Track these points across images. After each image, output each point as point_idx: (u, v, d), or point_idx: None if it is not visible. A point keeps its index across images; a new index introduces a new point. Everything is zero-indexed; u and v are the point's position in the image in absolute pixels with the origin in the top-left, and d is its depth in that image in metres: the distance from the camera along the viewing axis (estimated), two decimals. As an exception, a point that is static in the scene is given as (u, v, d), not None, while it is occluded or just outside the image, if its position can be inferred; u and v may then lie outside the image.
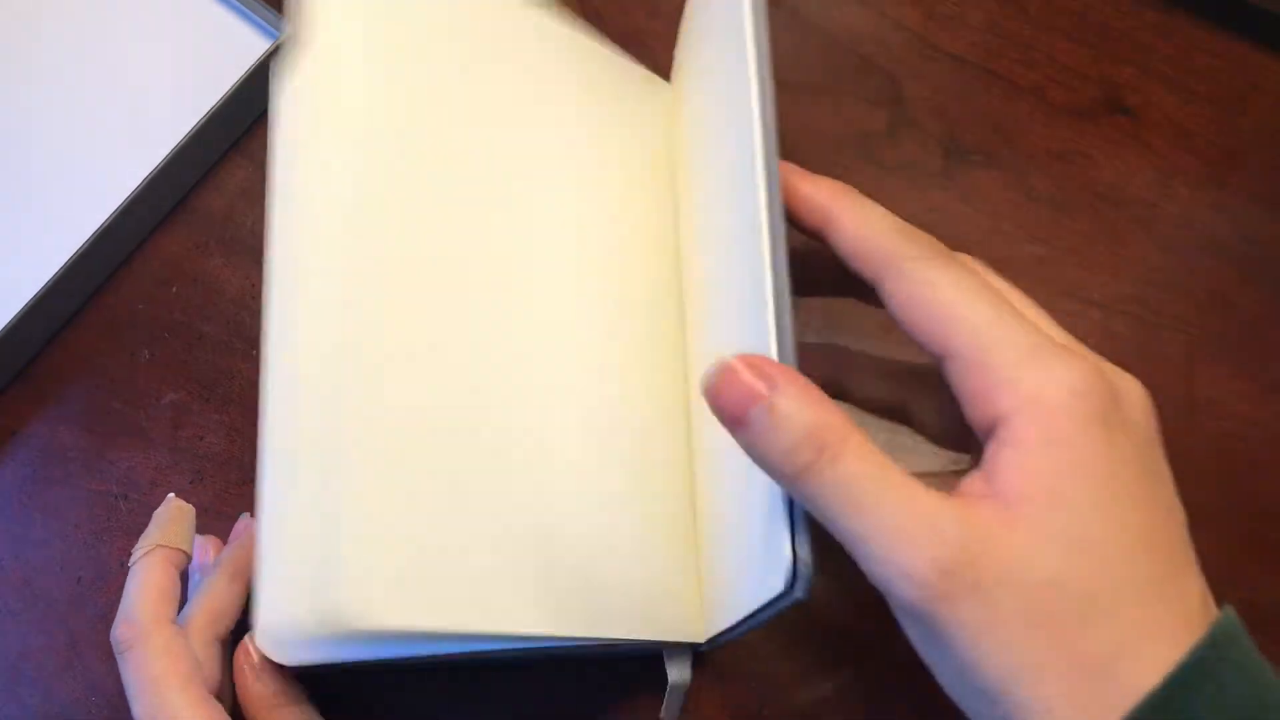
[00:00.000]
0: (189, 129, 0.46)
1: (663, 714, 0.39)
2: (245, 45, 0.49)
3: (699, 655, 0.39)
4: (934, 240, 0.27)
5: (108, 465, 0.44)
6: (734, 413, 0.24)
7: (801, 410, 0.24)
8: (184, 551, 0.39)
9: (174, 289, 0.47)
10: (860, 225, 0.27)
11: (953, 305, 0.25)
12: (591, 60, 0.43)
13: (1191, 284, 0.45)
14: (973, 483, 0.24)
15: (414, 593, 0.31)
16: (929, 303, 0.25)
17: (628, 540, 0.36)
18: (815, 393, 0.24)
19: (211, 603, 0.36)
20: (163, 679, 0.33)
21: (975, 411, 0.25)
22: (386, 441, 0.33)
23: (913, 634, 0.25)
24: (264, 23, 0.49)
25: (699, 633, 0.37)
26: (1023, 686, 0.23)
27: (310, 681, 0.39)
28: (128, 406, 0.45)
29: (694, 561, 0.39)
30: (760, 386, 0.24)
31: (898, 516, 0.23)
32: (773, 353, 0.27)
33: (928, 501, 0.23)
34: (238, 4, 0.50)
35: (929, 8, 0.49)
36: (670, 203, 0.44)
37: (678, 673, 0.39)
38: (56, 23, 0.50)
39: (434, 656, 0.37)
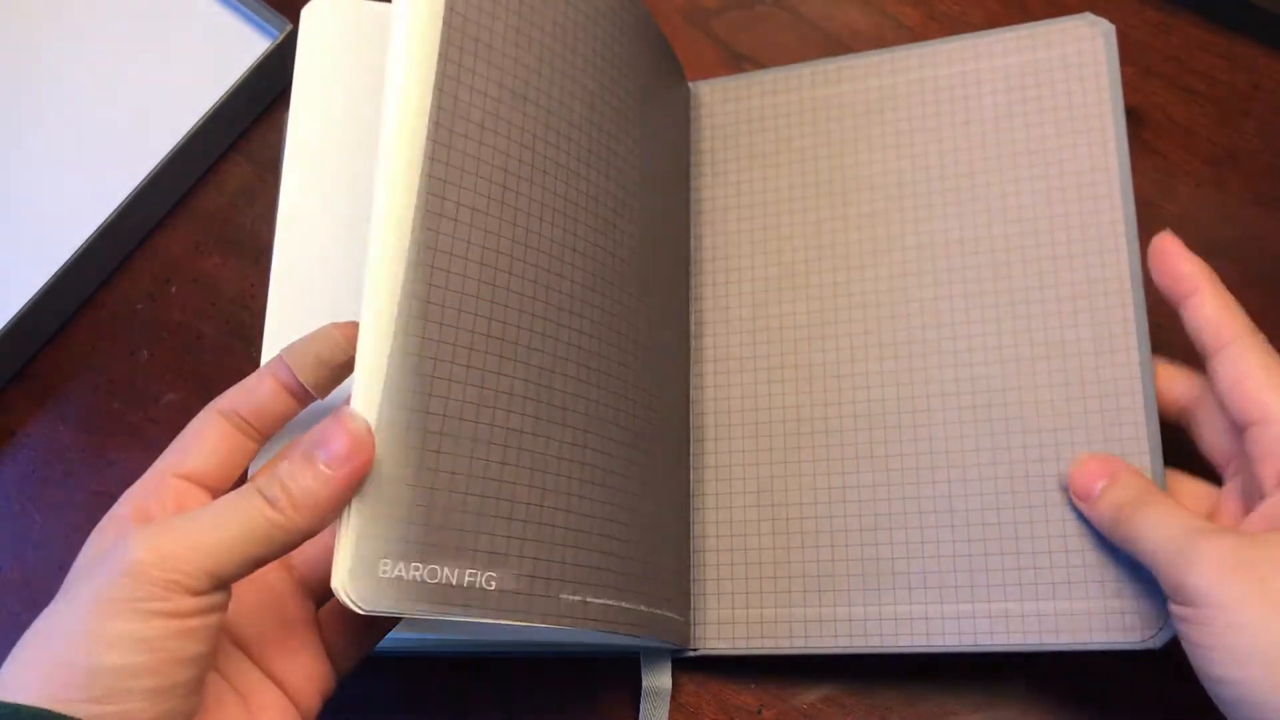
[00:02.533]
0: (189, 129, 0.46)
1: (640, 718, 0.39)
2: (245, 45, 0.49)
3: (695, 657, 0.39)
4: (1251, 325, 0.34)
5: (108, 465, 0.44)
6: (1083, 491, 0.35)
7: (1129, 479, 0.35)
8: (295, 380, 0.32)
9: (174, 289, 0.47)
10: (1216, 308, 0.34)
11: (1261, 391, 0.33)
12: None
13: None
14: (1254, 521, 0.32)
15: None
16: (1247, 389, 0.33)
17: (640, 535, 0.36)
18: (1131, 468, 0.35)
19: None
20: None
21: (1266, 468, 0.32)
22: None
23: (1189, 630, 0.31)
24: (264, 23, 0.49)
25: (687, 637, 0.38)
26: None
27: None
28: (127, 406, 0.45)
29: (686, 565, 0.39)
30: (1102, 471, 0.35)
31: (1189, 530, 0.31)
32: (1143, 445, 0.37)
33: (1212, 524, 0.32)
34: (238, 4, 0.50)
35: (930, 8, 0.49)
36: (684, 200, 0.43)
37: (655, 678, 0.39)
38: (57, 23, 0.50)
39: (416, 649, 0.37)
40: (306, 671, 0.30)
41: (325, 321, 0.33)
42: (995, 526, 0.37)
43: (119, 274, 0.47)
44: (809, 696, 0.40)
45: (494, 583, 0.30)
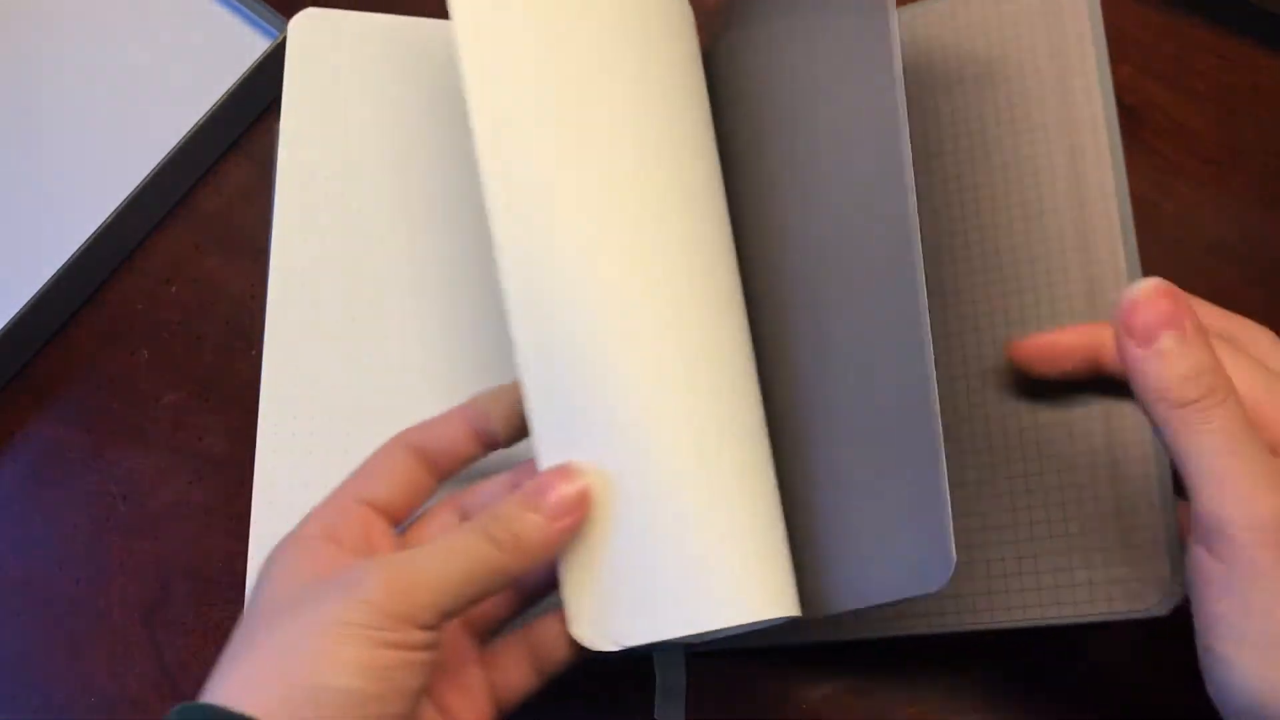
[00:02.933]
0: (189, 129, 0.46)
1: (656, 715, 0.39)
2: (245, 45, 0.49)
3: (695, 656, 0.39)
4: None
5: (107, 465, 0.44)
6: (1147, 331, 0.27)
7: (1205, 351, 0.27)
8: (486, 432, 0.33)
9: (174, 289, 0.47)
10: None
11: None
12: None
13: (1192, 284, 0.44)
14: None
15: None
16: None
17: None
18: (1203, 330, 0.28)
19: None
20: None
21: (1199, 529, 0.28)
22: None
23: (1205, 588, 0.27)
24: (264, 23, 0.49)
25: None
26: None
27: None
28: (127, 406, 0.45)
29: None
30: (1182, 315, 0.27)
31: (1261, 467, 0.27)
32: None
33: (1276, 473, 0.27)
34: (238, 4, 0.50)
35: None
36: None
37: (671, 674, 0.39)
38: (57, 23, 0.50)
39: None
40: (475, 710, 0.31)
41: (324, 336, 0.34)
42: (993, 499, 0.36)
43: (119, 274, 0.47)
44: (809, 696, 0.40)
45: None
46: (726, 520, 0.32)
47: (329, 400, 0.38)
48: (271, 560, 0.30)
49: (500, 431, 0.32)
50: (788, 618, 0.32)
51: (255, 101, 0.49)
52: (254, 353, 0.46)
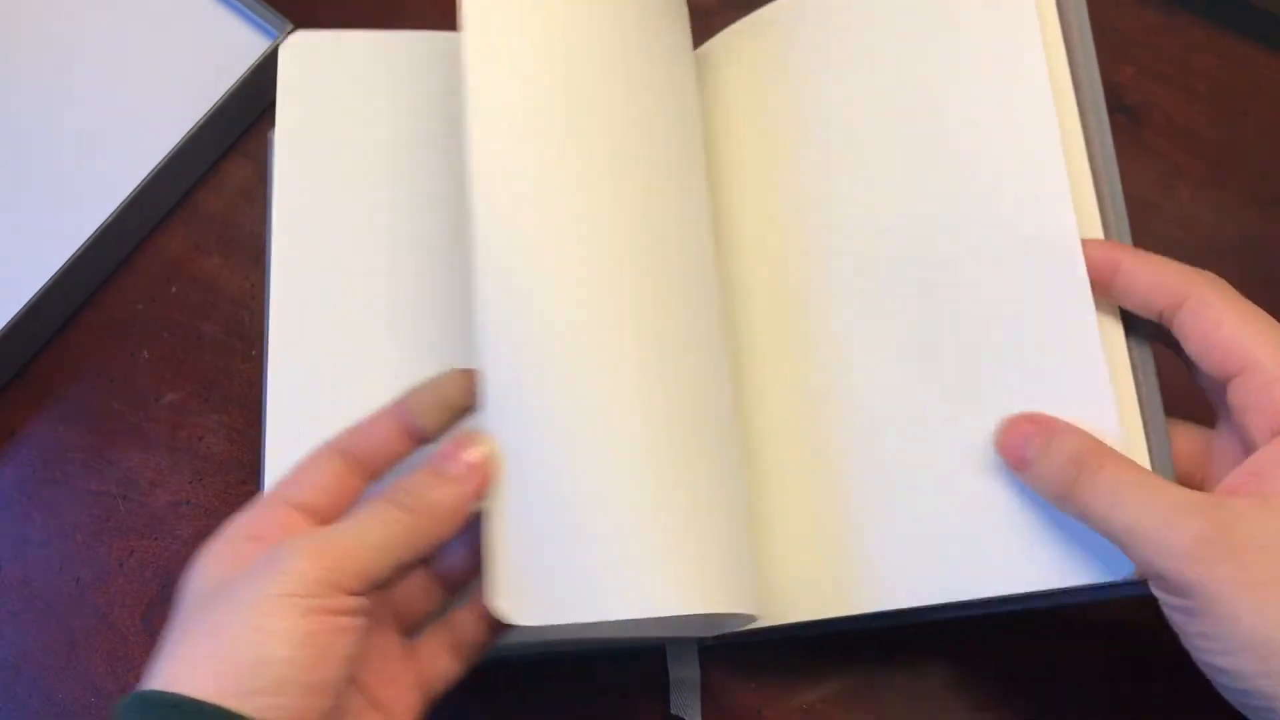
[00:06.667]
0: (189, 128, 0.46)
1: (672, 709, 0.39)
2: (245, 45, 0.49)
3: (700, 652, 0.39)
4: (1207, 274, 0.31)
5: (107, 465, 0.44)
6: (1018, 458, 0.32)
7: (1069, 437, 0.30)
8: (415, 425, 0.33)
9: (174, 289, 0.47)
10: (1151, 271, 0.32)
11: (1236, 340, 0.30)
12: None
13: (1192, 284, 0.45)
14: (1237, 477, 0.29)
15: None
16: (1219, 340, 0.30)
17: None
18: (1068, 425, 0.31)
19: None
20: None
21: (1254, 420, 0.30)
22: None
23: (1176, 616, 0.29)
24: (264, 23, 0.49)
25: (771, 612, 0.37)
26: None
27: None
28: (127, 406, 0.45)
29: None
30: (1032, 429, 0.31)
31: (1158, 504, 0.28)
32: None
33: (1183, 492, 0.28)
34: (238, 4, 0.50)
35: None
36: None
37: (684, 668, 0.39)
38: (57, 22, 0.50)
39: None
40: (404, 702, 0.32)
41: (327, 352, 0.36)
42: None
43: (119, 274, 0.47)
44: (809, 696, 0.40)
45: None
46: (673, 511, 0.33)
47: (337, 401, 0.38)
48: (195, 562, 0.31)
49: (428, 426, 0.33)
50: (739, 614, 0.33)
51: (255, 101, 0.49)
52: (254, 353, 0.46)
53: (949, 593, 0.33)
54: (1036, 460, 0.31)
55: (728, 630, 0.37)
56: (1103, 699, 0.39)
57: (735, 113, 0.42)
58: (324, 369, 0.38)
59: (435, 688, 0.33)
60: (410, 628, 0.34)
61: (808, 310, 0.38)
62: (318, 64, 0.42)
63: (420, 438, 0.33)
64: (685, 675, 0.39)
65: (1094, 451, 0.30)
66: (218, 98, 0.47)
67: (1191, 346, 0.31)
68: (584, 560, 0.31)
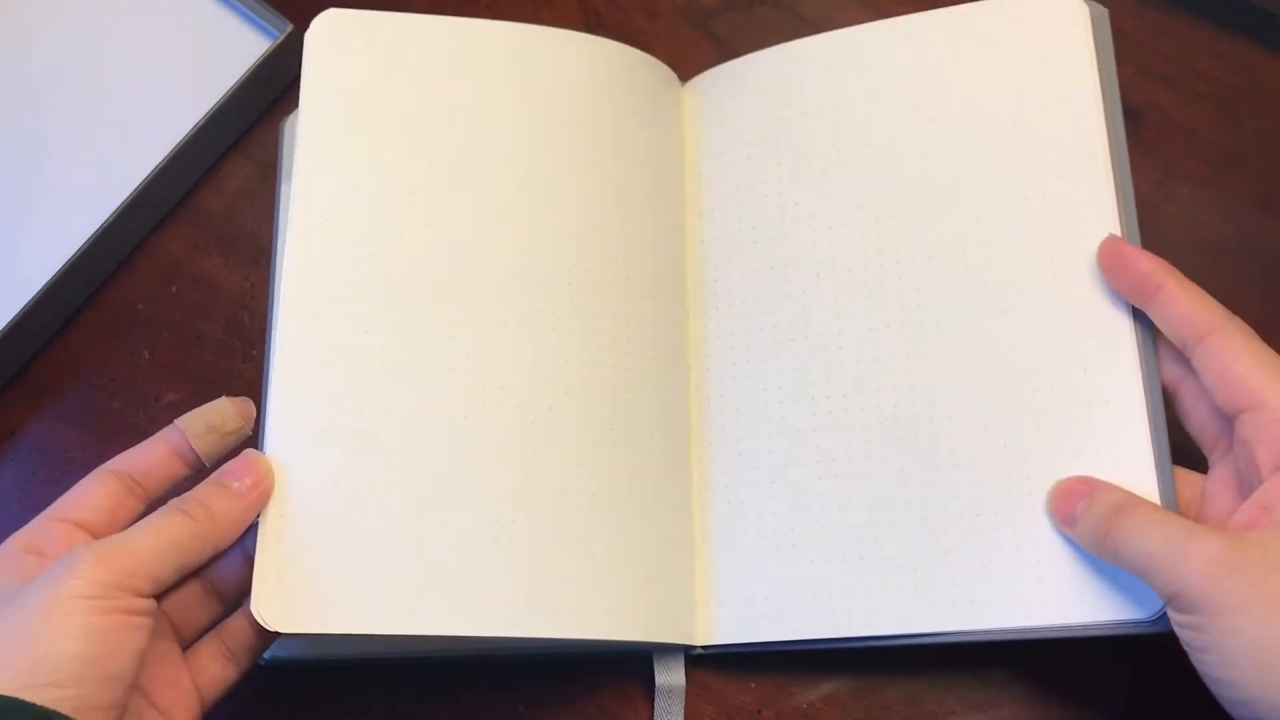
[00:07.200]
0: (189, 129, 0.46)
1: (655, 717, 0.39)
2: (245, 45, 0.49)
3: (695, 656, 0.39)
4: (1236, 318, 0.34)
5: (108, 465, 0.44)
6: (1067, 518, 0.35)
7: (1105, 492, 0.34)
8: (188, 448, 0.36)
9: (174, 289, 0.47)
10: (1188, 302, 0.34)
11: (1250, 378, 0.33)
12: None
13: (1192, 284, 0.45)
14: (1247, 512, 0.32)
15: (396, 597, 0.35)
16: (1234, 376, 0.33)
17: (608, 541, 0.37)
18: (1110, 484, 0.35)
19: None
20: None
21: (1261, 454, 0.32)
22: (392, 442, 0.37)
23: (1186, 634, 0.31)
24: (264, 23, 0.49)
25: (694, 635, 0.38)
26: None
27: (305, 678, 0.39)
28: (128, 406, 0.45)
29: (691, 566, 0.39)
30: (1076, 493, 0.35)
31: (1179, 533, 0.31)
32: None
33: (1196, 526, 0.32)
34: (238, 4, 0.50)
35: (931, 8, 0.49)
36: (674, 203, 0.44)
37: (668, 676, 0.39)
38: (57, 23, 0.50)
39: (417, 654, 0.39)
40: (183, 705, 0.34)
41: (329, 354, 0.37)
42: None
43: (119, 274, 0.47)
44: (809, 696, 0.40)
45: None
46: (461, 528, 0.36)
47: (338, 401, 0.38)
48: None
49: (198, 448, 0.36)
50: (513, 636, 0.35)
51: (255, 101, 0.49)
52: (254, 353, 0.46)
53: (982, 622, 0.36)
54: (1083, 515, 0.34)
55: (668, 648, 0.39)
56: (1103, 700, 0.39)
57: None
58: (327, 369, 0.37)
59: (213, 690, 0.35)
60: (187, 639, 0.36)
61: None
62: (348, 43, 0.41)
63: (192, 461, 0.36)
64: (670, 683, 0.39)
65: (1128, 500, 0.33)
66: (218, 98, 0.47)
67: (1208, 378, 0.34)
68: (345, 575, 0.35)
